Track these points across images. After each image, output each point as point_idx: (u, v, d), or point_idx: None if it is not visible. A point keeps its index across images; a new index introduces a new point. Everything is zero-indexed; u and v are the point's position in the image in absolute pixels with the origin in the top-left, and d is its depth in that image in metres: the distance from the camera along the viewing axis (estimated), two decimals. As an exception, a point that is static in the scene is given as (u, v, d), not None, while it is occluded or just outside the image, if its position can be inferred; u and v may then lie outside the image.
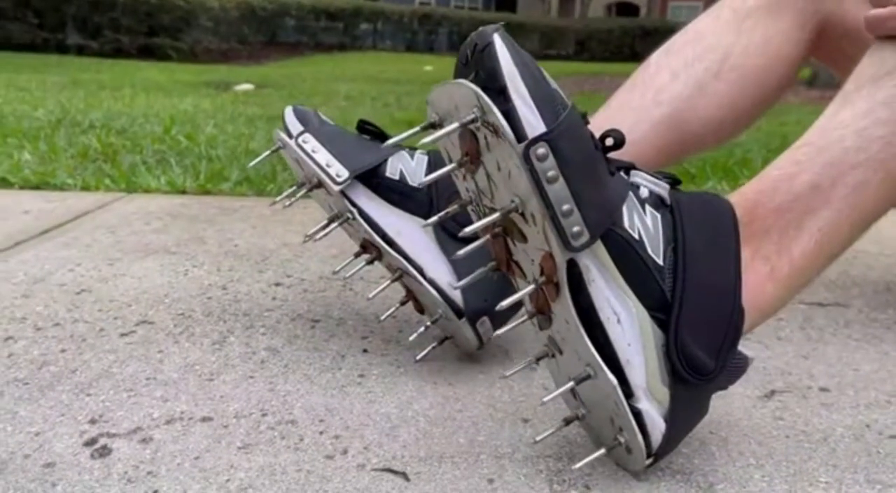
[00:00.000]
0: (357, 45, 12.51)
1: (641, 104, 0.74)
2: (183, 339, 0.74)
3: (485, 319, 0.68)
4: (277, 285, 0.91)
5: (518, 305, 0.62)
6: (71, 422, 0.57)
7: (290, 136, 0.70)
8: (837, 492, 0.52)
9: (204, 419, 0.59)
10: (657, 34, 13.90)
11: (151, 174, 1.53)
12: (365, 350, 0.73)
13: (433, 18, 13.97)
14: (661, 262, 0.50)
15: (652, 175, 0.54)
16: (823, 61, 0.84)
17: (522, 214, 0.49)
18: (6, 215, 1.19)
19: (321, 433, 0.58)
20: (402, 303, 0.73)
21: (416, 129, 0.52)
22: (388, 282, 0.70)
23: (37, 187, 1.45)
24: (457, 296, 0.66)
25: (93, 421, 0.58)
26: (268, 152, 0.72)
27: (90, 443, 0.55)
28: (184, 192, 1.45)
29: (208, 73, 6.21)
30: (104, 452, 0.54)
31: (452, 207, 0.55)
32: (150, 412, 0.60)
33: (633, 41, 13.47)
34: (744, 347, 0.53)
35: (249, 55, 10.08)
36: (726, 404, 0.64)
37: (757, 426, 0.61)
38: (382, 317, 0.72)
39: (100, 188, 1.44)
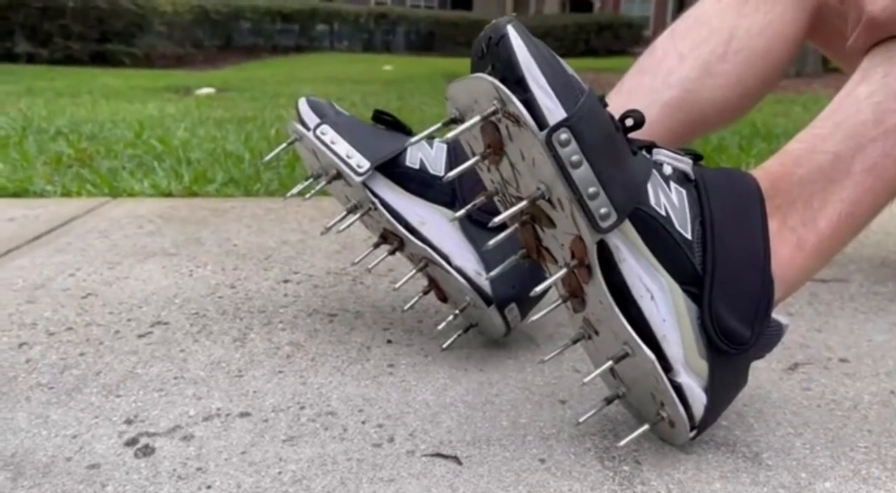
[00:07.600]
0: (314, 47, 12.39)
1: (652, 87, 0.75)
2: (202, 337, 0.73)
3: (513, 305, 0.68)
4: (286, 281, 0.90)
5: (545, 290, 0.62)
6: (106, 423, 0.56)
7: (306, 127, 0.69)
8: (878, 455, 0.54)
9: (242, 415, 0.58)
10: (611, 29, 14.09)
11: (134, 178, 1.50)
12: (389, 341, 0.73)
13: (389, 18, 13.91)
14: (689, 236, 0.51)
15: (674, 152, 0.54)
16: (819, 43, 0.86)
17: (549, 201, 0.49)
18: (-10, 224, 1.16)
19: (363, 422, 0.57)
20: (425, 292, 0.73)
21: (438, 125, 0.52)
22: (412, 272, 0.70)
23: (15, 195, 1.41)
24: (485, 284, 0.66)
25: (129, 421, 0.57)
26: (284, 145, 0.71)
27: (131, 443, 0.54)
28: (169, 195, 1.42)
29: (166, 78, 6.09)
30: (147, 451, 0.53)
31: (479, 199, 0.55)
32: (186, 410, 0.59)
33: (588, 37, 13.59)
34: (777, 314, 0.54)
35: (205, 59, 9.92)
36: (754, 377, 0.64)
37: (787, 397, 0.63)
38: (406, 307, 0.72)
39: (81, 194, 1.41)
